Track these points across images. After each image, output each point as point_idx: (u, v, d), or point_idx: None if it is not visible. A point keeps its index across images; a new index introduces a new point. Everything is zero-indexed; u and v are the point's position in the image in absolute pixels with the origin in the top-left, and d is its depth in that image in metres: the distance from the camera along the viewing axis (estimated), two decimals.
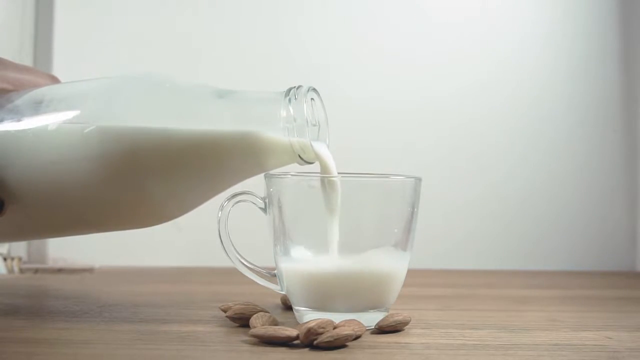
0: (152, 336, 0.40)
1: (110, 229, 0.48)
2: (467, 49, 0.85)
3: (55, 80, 0.49)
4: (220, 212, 0.45)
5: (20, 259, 0.78)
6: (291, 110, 0.41)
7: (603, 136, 0.86)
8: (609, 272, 0.83)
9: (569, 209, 0.85)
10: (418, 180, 0.44)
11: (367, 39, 0.85)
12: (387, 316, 0.43)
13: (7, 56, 0.49)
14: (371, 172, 0.44)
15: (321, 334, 0.37)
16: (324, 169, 0.42)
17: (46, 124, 0.42)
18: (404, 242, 0.43)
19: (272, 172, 0.44)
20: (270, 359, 0.35)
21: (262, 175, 0.44)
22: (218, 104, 0.43)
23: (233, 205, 0.45)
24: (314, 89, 0.43)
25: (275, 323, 0.41)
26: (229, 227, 0.45)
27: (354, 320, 0.41)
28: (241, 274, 0.46)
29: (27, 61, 0.80)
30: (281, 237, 0.43)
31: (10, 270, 0.76)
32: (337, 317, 0.41)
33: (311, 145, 0.42)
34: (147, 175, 0.41)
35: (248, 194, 0.45)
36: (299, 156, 0.42)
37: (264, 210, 0.45)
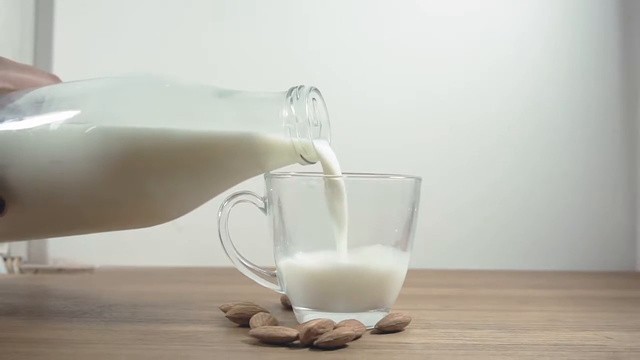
0: (152, 336, 0.40)
1: (110, 229, 0.48)
2: (467, 49, 0.86)
3: (56, 79, 0.49)
4: (220, 212, 0.45)
5: (20, 259, 0.78)
6: (293, 110, 0.41)
7: (603, 136, 0.86)
8: (609, 272, 0.83)
9: (569, 209, 0.85)
10: (418, 180, 0.44)
11: (367, 39, 0.85)
12: (387, 316, 0.43)
13: (8, 56, 0.49)
14: (371, 172, 0.44)
15: (321, 334, 0.37)
16: (327, 169, 0.42)
17: (47, 123, 0.42)
18: (404, 242, 0.43)
19: (272, 172, 0.44)
20: (270, 359, 0.35)
21: (262, 175, 0.44)
22: (219, 104, 0.43)
23: (233, 205, 0.45)
24: (316, 89, 0.43)
25: (275, 323, 0.41)
26: (229, 227, 0.45)
27: (354, 320, 0.41)
28: (241, 274, 0.46)
29: (28, 61, 0.80)
30: (281, 237, 0.43)
31: (10, 270, 0.76)
32: (337, 317, 0.41)
33: (313, 145, 0.42)
34: (148, 176, 0.41)
35: (248, 194, 0.45)
36: (301, 156, 0.42)
37: (264, 210, 0.44)
